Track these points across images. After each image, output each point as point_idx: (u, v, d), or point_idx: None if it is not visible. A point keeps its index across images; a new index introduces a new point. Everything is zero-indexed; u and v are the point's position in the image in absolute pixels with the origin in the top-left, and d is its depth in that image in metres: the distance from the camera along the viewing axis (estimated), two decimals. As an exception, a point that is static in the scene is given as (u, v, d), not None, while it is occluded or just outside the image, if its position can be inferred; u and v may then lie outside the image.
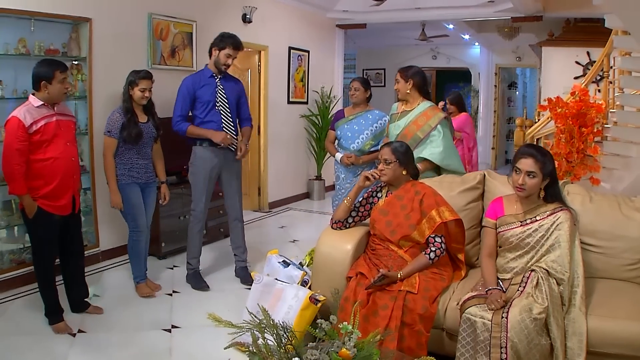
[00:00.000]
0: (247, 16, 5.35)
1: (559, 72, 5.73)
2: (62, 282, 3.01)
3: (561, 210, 2.29)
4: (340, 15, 6.97)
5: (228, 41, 3.38)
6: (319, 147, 6.80)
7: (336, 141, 3.85)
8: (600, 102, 4.37)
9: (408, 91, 3.14)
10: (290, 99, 6.43)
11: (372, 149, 3.66)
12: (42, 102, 2.68)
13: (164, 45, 4.40)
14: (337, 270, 2.58)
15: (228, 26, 5.07)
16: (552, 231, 2.26)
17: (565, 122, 4.32)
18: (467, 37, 8.64)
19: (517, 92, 10.53)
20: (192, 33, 4.66)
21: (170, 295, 3.42)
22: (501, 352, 2.02)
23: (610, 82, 4.87)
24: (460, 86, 10.48)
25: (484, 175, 2.89)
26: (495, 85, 9.36)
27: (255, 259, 4.23)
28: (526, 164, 2.28)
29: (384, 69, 11.00)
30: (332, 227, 2.73)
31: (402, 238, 2.49)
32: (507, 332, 2.02)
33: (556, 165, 4.45)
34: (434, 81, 10.97)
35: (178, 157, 4.14)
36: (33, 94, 2.71)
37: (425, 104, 3.14)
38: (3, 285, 3.34)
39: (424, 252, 2.47)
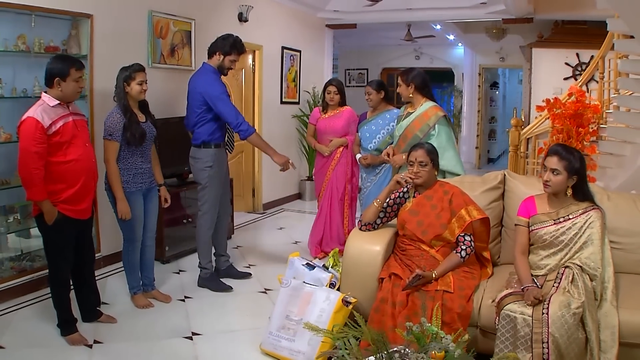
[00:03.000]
0: (244, 15, 5.26)
1: (549, 72, 5.89)
2: (73, 289, 2.87)
3: (593, 209, 2.36)
4: (331, 15, 6.95)
5: (234, 46, 3.34)
6: (311, 148, 6.76)
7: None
8: (595, 103, 4.51)
9: (410, 94, 3.22)
10: (283, 99, 6.37)
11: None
12: (58, 102, 2.55)
13: (164, 43, 4.28)
14: (368, 272, 2.56)
15: (225, 25, 4.99)
16: (585, 229, 2.32)
17: (563, 123, 4.44)
18: (452, 37, 8.78)
19: (498, 92, 10.77)
20: (190, 31, 4.55)
21: (183, 300, 3.32)
22: (543, 347, 2.06)
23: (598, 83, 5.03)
24: (444, 86, 10.65)
25: (504, 175, 2.93)
26: (479, 86, 9.54)
27: (264, 262, 4.17)
28: (551, 161, 2.35)
29: (367, 69, 11.05)
30: (360, 229, 2.71)
31: (434, 238, 2.50)
32: (548, 328, 2.06)
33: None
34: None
35: (178, 159, 4.03)
36: (45, 92, 2.57)
37: (427, 105, 3.20)
38: (3, 295, 3.16)
39: (455, 251, 2.50)
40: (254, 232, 5.16)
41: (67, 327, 2.71)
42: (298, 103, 6.71)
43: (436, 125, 3.09)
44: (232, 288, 3.47)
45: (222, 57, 3.34)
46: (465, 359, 1.41)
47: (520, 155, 5.19)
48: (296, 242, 4.79)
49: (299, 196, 6.87)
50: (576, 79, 5.66)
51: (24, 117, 2.48)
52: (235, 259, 4.13)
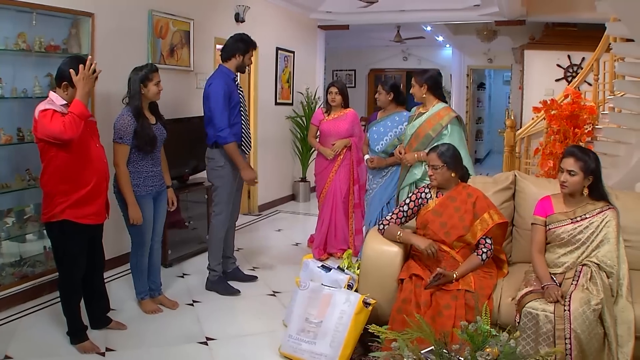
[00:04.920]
0: (240, 16, 5.22)
1: (541, 74, 6.00)
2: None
3: (609, 209, 2.42)
4: (324, 16, 6.94)
5: (249, 44, 3.45)
6: (304, 149, 6.75)
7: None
8: (590, 104, 4.62)
9: (423, 95, 3.24)
10: (278, 100, 6.34)
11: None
12: (66, 102, 2.47)
13: (164, 43, 4.20)
14: (387, 273, 2.57)
15: (222, 26, 4.96)
16: (602, 228, 2.38)
17: (560, 123, 4.53)
18: (440, 38, 8.86)
19: (484, 93, 10.93)
20: (189, 31, 4.49)
21: (192, 305, 3.26)
22: (565, 343, 2.11)
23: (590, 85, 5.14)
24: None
25: (515, 175, 2.98)
26: (467, 87, 9.67)
27: (268, 264, 4.13)
28: (568, 162, 2.40)
29: (354, 70, 11.07)
30: (378, 230, 2.72)
31: (456, 239, 2.53)
32: (570, 324, 2.11)
33: (551, 165, 4.70)
34: (404, 82, 11.18)
35: (178, 161, 3.96)
36: (54, 91, 2.49)
37: (439, 105, 3.24)
38: (4, 303, 3.05)
39: (475, 253, 2.53)
40: (253, 234, 5.11)
41: (77, 335, 2.63)
42: (292, 104, 6.69)
43: (449, 126, 3.12)
44: (240, 291, 3.43)
45: (241, 57, 3.41)
46: (522, 356, 1.43)
47: (515, 155, 5.27)
48: (297, 244, 4.76)
49: (292, 197, 6.85)
50: (568, 81, 5.78)
51: (38, 112, 2.40)
52: (239, 261, 4.07)
